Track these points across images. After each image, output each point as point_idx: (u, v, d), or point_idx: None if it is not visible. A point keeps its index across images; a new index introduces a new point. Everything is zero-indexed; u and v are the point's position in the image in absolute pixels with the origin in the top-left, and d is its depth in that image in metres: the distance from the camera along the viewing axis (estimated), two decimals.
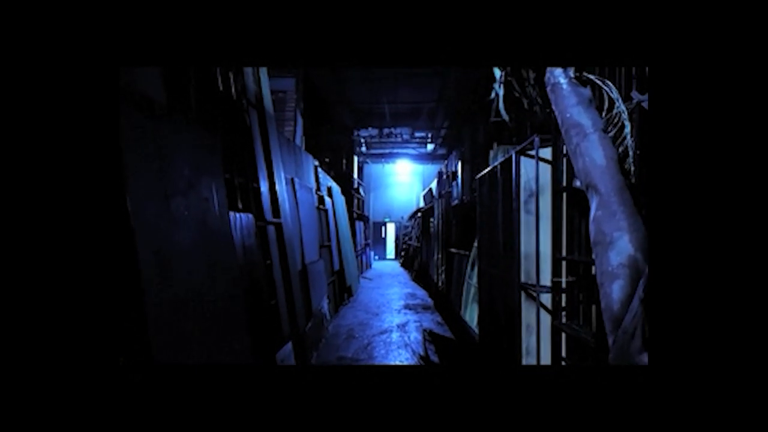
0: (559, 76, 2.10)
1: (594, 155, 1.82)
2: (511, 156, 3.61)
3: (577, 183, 2.08)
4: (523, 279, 3.48)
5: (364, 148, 15.87)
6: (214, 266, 2.54)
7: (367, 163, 18.59)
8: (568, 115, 1.99)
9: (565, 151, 2.71)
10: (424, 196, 14.87)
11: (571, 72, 2.10)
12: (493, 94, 4.53)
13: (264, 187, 3.90)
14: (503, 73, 3.75)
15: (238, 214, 3.16)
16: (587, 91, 2.07)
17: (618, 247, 1.63)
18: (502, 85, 3.82)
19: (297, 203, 5.28)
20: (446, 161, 12.89)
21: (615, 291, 1.60)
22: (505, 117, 4.22)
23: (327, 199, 7.69)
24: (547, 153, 3.17)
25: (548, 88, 2.20)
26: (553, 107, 2.15)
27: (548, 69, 2.19)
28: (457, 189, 9.48)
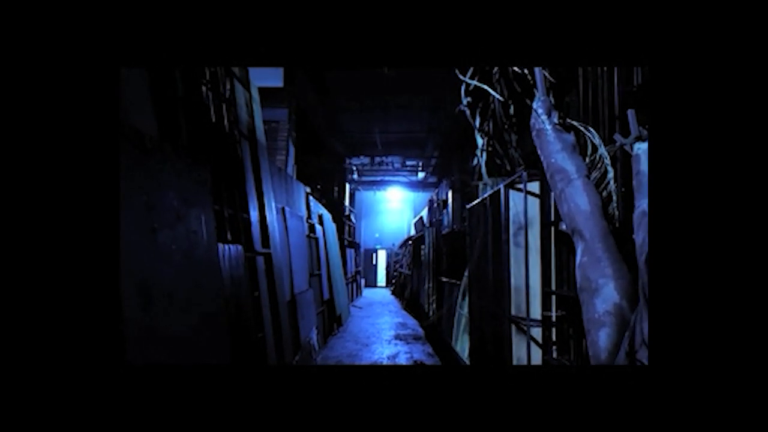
0: (544, 122, 2.16)
1: (578, 201, 1.85)
2: (499, 189, 3.65)
3: (563, 226, 2.11)
4: (513, 312, 3.45)
5: (355, 176, 15.99)
6: (200, 299, 2.48)
7: (358, 190, 18.69)
8: (552, 161, 2.04)
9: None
10: (415, 224, 14.91)
11: (556, 118, 2.16)
12: (475, 161, 4.67)
13: (254, 217, 3.88)
14: (485, 141, 3.88)
15: (226, 246, 3.12)
16: (571, 137, 2.12)
17: (604, 294, 1.65)
18: (484, 153, 3.94)
19: (287, 232, 5.24)
20: (437, 189, 13.03)
21: (602, 339, 1.59)
22: (488, 182, 4.33)
23: (318, 227, 7.66)
24: (535, 187, 3.22)
25: (533, 133, 2.26)
26: (539, 152, 2.20)
27: (533, 115, 2.26)
28: (447, 217, 9.53)
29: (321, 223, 8.17)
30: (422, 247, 10.83)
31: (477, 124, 4.13)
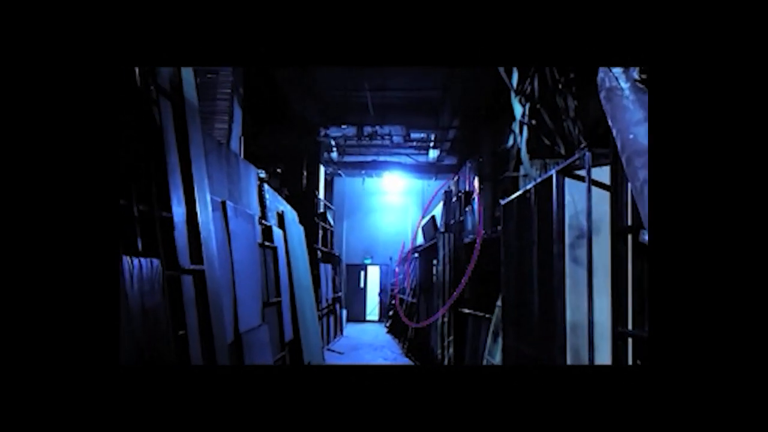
0: (619, 78, 2.13)
1: None
2: (550, 176, 3.65)
3: (646, 237, 2.08)
4: (569, 361, 3.46)
5: (335, 155, 15.99)
6: None
7: (339, 175, 18.70)
8: (630, 137, 2.01)
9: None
10: (423, 228, 14.93)
11: (636, 73, 2.13)
12: (510, 141, 4.58)
13: (179, 216, 3.85)
14: (526, 109, 3.84)
15: (135, 260, 3.10)
16: None
17: None
18: (525, 127, 3.89)
19: (230, 239, 5.22)
20: (456, 176, 13.07)
21: None
22: (530, 171, 4.24)
23: (277, 231, 7.65)
24: (604, 175, 3.21)
25: (602, 95, 2.23)
26: (610, 123, 2.16)
27: (602, 68, 2.25)
28: (472, 218, 9.55)
29: (282, 225, 8.16)
30: (434, 262, 10.85)
31: (514, 83, 4.08)
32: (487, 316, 6.86)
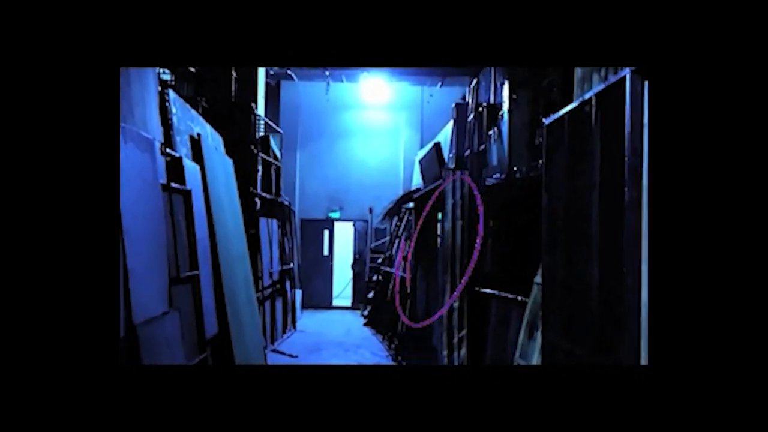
0: None
1: None
2: (623, 78, 3.60)
3: None
4: (644, 363, 3.47)
5: None
6: None
7: (289, 78, 18.51)
8: None
9: None
10: (421, 163, 14.91)
11: None
12: None
13: None
14: None
15: None
16: None
17: None
18: None
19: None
20: (473, 81, 12.91)
21: None
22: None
23: (191, 165, 7.58)
24: None
25: None
26: None
27: None
28: (499, 148, 9.47)
29: (198, 156, 8.10)
30: (438, 216, 10.84)
31: None
32: (519, 298, 6.90)
